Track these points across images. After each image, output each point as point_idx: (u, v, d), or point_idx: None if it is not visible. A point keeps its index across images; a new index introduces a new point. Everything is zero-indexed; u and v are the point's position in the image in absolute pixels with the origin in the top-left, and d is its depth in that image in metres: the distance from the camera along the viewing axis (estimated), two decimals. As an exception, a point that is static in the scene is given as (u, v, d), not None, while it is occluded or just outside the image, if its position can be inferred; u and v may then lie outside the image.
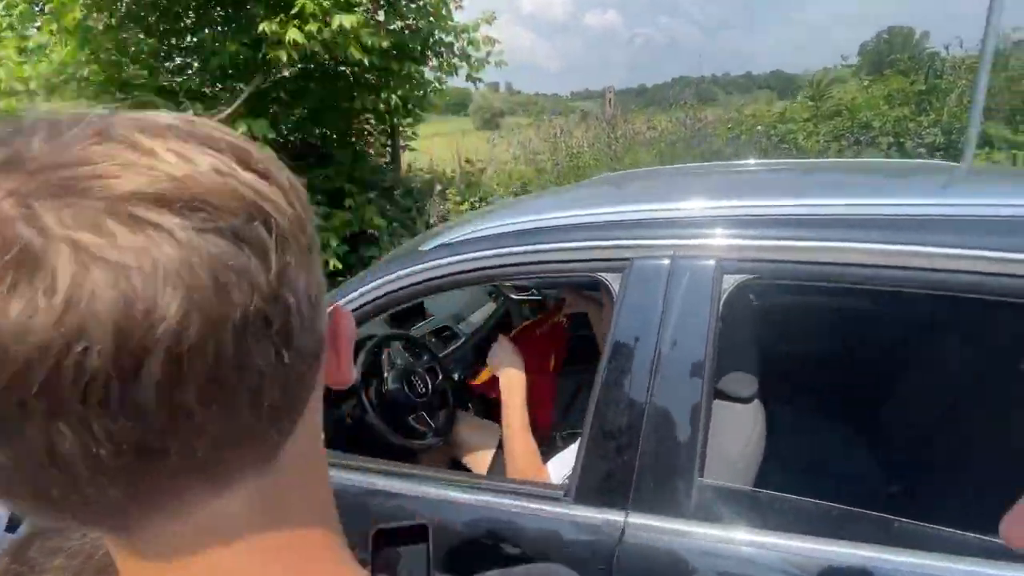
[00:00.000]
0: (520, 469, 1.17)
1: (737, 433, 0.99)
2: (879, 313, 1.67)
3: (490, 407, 2.11)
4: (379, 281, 1.08)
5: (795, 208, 0.88)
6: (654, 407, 0.85)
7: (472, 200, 4.72)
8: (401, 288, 1.06)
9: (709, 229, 0.89)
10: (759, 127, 4.78)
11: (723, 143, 4.53)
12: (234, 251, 0.20)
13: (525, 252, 0.98)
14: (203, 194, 0.20)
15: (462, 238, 1.05)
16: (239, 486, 0.24)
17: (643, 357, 0.87)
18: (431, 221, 4.58)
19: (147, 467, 0.20)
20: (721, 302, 0.85)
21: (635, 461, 0.85)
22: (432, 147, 6.62)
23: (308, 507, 0.27)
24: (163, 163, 0.20)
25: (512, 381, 1.33)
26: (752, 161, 1.64)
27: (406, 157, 5.74)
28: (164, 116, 0.23)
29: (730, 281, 0.86)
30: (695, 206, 0.94)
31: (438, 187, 4.76)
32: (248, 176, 0.22)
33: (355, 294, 1.11)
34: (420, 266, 1.04)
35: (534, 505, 0.91)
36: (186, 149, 0.21)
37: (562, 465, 1.24)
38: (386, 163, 5.33)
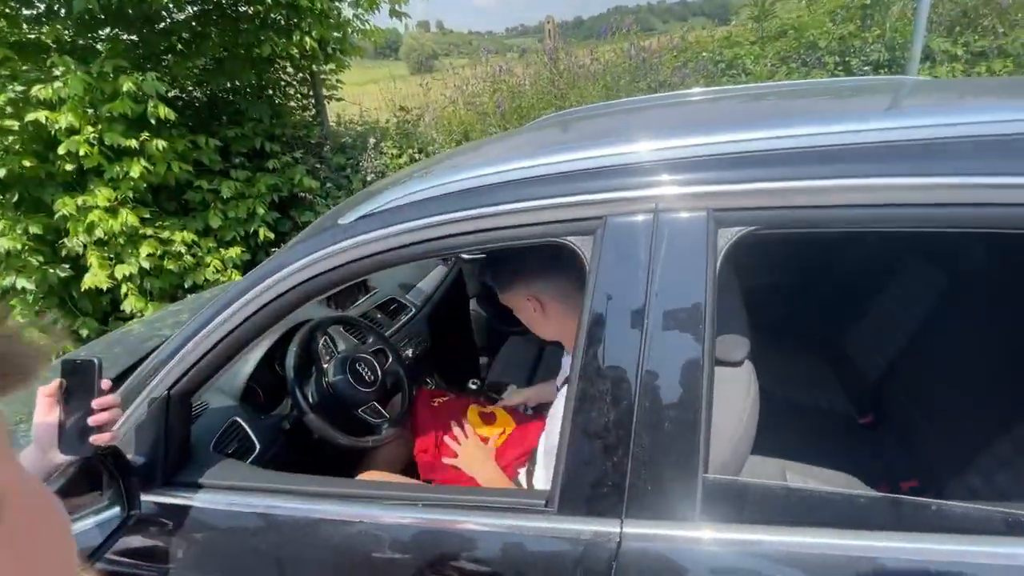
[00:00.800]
0: None
1: (733, 402, 0.87)
2: (902, 259, 1.58)
3: (454, 376, 1.96)
4: (292, 268, 0.86)
5: (792, 140, 0.71)
6: (646, 396, 0.71)
7: (410, 152, 4.36)
8: (320, 274, 0.85)
9: (696, 173, 0.71)
10: (705, 53, 4.60)
11: (670, 72, 4.33)
12: None
13: (470, 218, 0.78)
14: None
15: (390, 205, 0.83)
16: None
17: (628, 338, 0.71)
18: (368, 178, 4.22)
19: None
20: (718, 262, 0.69)
21: (627, 460, 0.71)
22: (364, 95, 6.05)
23: None
24: None
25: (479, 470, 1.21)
26: (710, 89, 1.46)
27: (333, 108, 5.22)
28: None
29: (727, 235, 0.70)
30: (674, 145, 0.76)
31: (372, 140, 4.36)
32: None
33: (261, 287, 0.88)
34: (341, 245, 0.82)
35: (509, 521, 0.77)
36: None
37: (540, 465, 1.10)
38: (312, 117, 4.82)
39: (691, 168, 0.72)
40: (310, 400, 1.25)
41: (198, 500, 0.94)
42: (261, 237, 3.89)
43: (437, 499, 0.82)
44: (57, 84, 2.97)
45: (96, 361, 0.81)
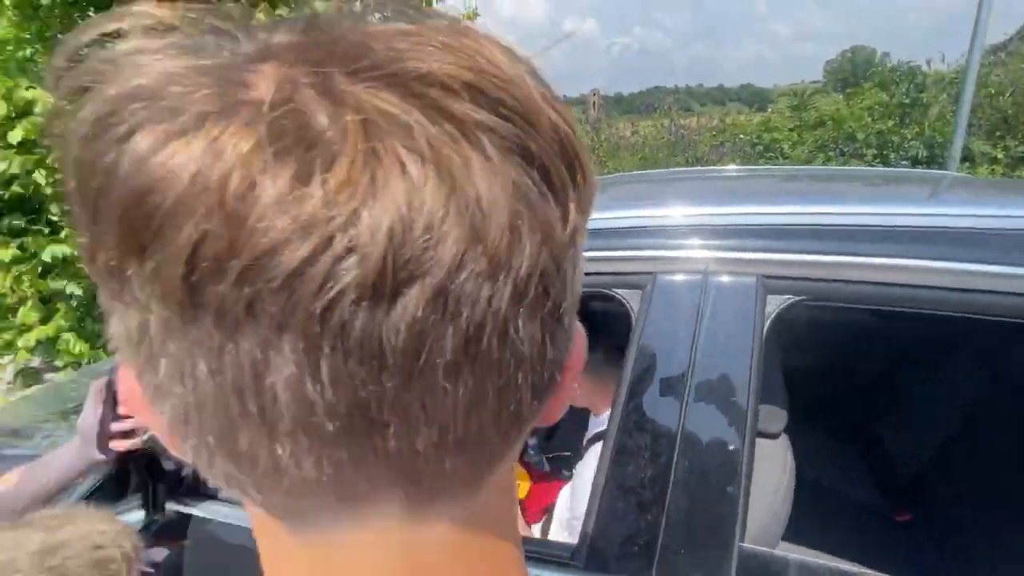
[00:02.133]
0: None
1: (769, 474, 0.85)
2: (947, 343, 1.56)
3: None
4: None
5: (843, 217, 0.74)
6: (685, 455, 0.70)
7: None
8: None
9: (748, 240, 0.74)
10: (743, 135, 4.76)
11: (708, 150, 4.49)
12: (538, 189, 0.16)
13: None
14: (527, 109, 0.15)
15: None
16: (442, 512, 0.19)
17: (671, 394, 0.72)
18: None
19: (356, 441, 0.16)
20: (765, 327, 0.71)
21: (661, 519, 0.70)
22: None
23: (504, 554, 0.22)
24: (486, 54, 0.16)
25: None
26: (753, 167, 1.51)
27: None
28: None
29: (775, 302, 0.71)
30: (725, 212, 0.79)
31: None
32: (557, 103, 0.17)
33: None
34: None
35: (531, 570, 0.75)
36: (503, 50, 0.16)
37: (560, 514, 1.08)
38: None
39: (742, 235, 0.75)
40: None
41: (220, 512, 0.95)
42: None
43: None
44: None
45: None
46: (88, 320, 3.74)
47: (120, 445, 0.80)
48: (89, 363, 3.68)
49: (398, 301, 0.14)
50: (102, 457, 0.84)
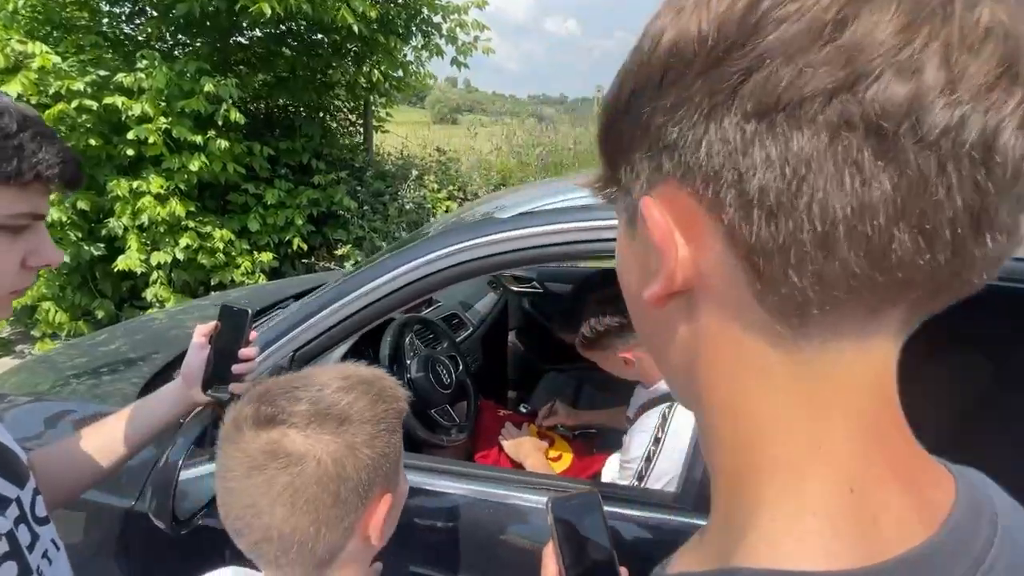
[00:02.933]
0: None
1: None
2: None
3: (505, 399, 1.98)
4: (446, 251, 0.93)
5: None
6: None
7: (451, 188, 4.54)
8: (474, 259, 0.91)
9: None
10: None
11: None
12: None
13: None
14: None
15: (550, 207, 0.92)
16: (902, 338, 0.23)
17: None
18: (406, 207, 4.36)
19: (955, 244, 0.19)
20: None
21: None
22: (394, 134, 6.40)
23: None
24: None
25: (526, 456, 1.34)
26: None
27: (377, 139, 5.46)
28: None
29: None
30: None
31: (414, 173, 4.54)
32: None
33: (410, 266, 0.95)
34: (503, 235, 0.89)
35: (636, 512, 0.80)
36: None
37: (611, 472, 1.14)
38: (358, 143, 5.04)
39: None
40: (397, 390, 1.28)
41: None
42: (294, 247, 3.95)
43: (562, 485, 0.85)
44: (140, 75, 3.13)
45: (249, 311, 0.85)
46: (69, 290, 3.58)
47: (239, 388, 0.81)
48: (69, 335, 3.53)
49: (998, 142, 0.18)
50: (204, 399, 0.85)
